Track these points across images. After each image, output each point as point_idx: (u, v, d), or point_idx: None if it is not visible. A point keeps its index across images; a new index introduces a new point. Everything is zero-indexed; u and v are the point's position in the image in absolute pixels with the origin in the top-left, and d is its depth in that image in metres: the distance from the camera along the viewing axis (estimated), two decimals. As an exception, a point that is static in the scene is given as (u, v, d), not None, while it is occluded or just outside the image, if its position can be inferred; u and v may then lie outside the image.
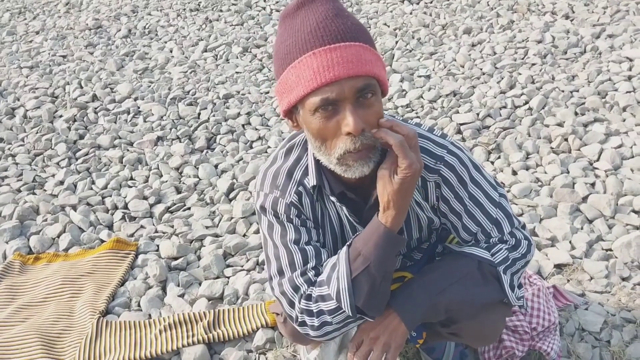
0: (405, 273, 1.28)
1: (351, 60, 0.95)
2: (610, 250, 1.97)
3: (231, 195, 2.46)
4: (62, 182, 2.64)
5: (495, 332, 1.28)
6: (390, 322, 1.15)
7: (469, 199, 1.18)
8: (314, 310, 1.12)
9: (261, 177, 1.21)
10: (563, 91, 2.92)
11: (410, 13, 4.23)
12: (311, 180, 1.14)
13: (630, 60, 3.12)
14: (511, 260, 1.18)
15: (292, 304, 1.14)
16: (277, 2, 4.79)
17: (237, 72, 3.64)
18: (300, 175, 1.16)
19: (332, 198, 1.14)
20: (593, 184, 2.28)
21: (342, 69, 0.94)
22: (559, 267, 1.92)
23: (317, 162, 1.13)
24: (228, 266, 2.07)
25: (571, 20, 3.75)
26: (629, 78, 2.96)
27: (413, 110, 2.98)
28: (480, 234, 1.20)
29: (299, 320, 1.13)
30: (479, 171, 1.20)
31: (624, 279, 1.85)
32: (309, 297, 1.12)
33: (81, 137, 3.01)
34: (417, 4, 4.40)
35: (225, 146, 2.85)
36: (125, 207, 2.45)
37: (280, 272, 1.15)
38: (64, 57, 4.11)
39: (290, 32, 0.99)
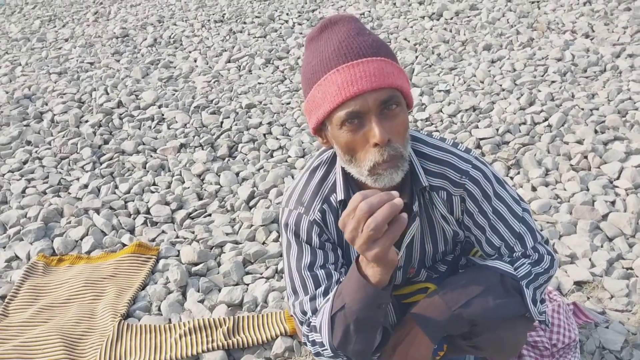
0: (429, 284, 1.30)
1: (373, 74, 0.98)
2: (631, 269, 1.96)
3: (251, 203, 2.49)
4: (86, 186, 2.70)
5: (516, 346, 1.28)
6: (414, 336, 1.17)
7: (492, 213, 1.19)
8: (311, 339, 1.16)
9: (288, 194, 1.24)
10: (583, 109, 2.92)
11: (431, 29, 4.26)
12: (339, 195, 1.16)
13: (652, 79, 3.12)
14: (534, 275, 1.20)
15: (301, 327, 1.19)
16: (299, 16, 4.87)
17: (259, 83, 3.69)
18: (327, 191, 1.19)
19: None
20: (613, 202, 2.27)
21: (365, 82, 0.97)
22: (579, 284, 1.91)
23: (346, 178, 1.15)
24: (247, 273, 2.10)
25: (591, 39, 3.75)
26: (651, 97, 2.95)
27: (433, 124, 3.00)
28: (504, 248, 1.22)
29: (306, 343, 1.18)
30: (503, 186, 1.22)
31: (644, 298, 1.84)
32: (309, 325, 1.16)
33: (106, 142, 3.07)
34: (438, 20, 4.43)
35: (246, 155, 2.89)
36: (148, 212, 2.49)
37: (295, 293, 1.19)
38: (91, 64, 4.20)
39: (315, 53, 1.03)
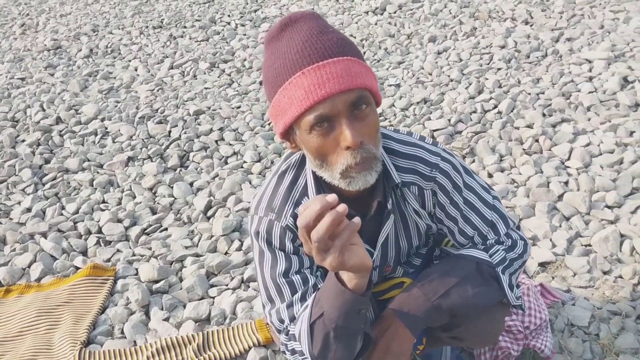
0: (405, 279, 1.28)
1: (341, 75, 0.94)
2: (590, 245, 2.02)
3: (209, 213, 2.41)
4: (29, 209, 2.54)
5: (496, 333, 1.28)
6: (395, 329, 1.15)
7: (464, 204, 1.19)
8: (290, 348, 1.13)
9: (257, 200, 1.19)
10: (530, 94, 2.99)
11: (376, 24, 4.28)
12: (311, 198, 1.12)
13: (590, 62, 3.23)
14: (509, 261, 1.20)
15: (278, 335, 1.16)
16: (241, 17, 4.78)
17: (206, 88, 3.59)
18: (298, 195, 1.15)
19: None
20: (566, 182, 2.33)
21: (333, 84, 0.93)
22: (543, 265, 1.95)
23: (317, 180, 1.11)
24: (212, 286, 2.02)
25: (531, 26, 3.86)
26: (590, 79, 3.05)
27: (386, 119, 3.00)
28: (477, 236, 1.21)
29: (285, 352, 1.15)
30: (471, 176, 1.22)
31: (605, 273, 1.89)
32: (287, 333, 1.13)
33: (47, 161, 2.91)
34: (382, 14, 4.45)
35: (199, 163, 2.80)
36: (99, 231, 2.37)
37: (271, 301, 1.16)
38: (22, 79, 3.98)
39: (277, 55, 0.98)
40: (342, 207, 0.84)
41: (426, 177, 1.15)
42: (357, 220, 0.87)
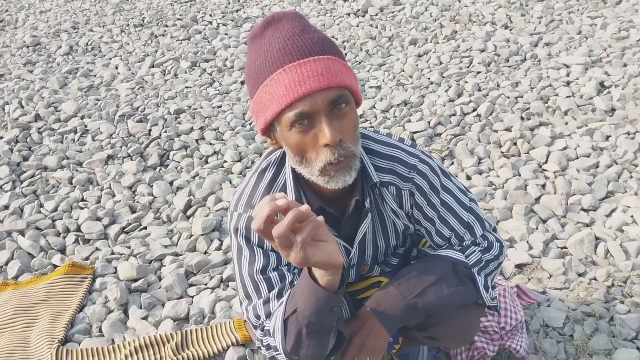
0: (382, 278, 1.29)
1: (321, 73, 0.95)
2: (565, 247, 2.06)
3: (189, 212, 2.40)
4: (6, 207, 2.51)
5: (471, 333, 1.30)
6: (371, 327, 1.17)
7: (441, 205, 1.21)
8: (265, 343, 1.14)
9: (237, 197, 1.20)
10: (508, 97, 3.04)
11: (357, 26, 4.30)
12: (290, 196, 1.13)
13: (567, 66, 3.29)
14: (484, 262, 1.22)
15: (255, 331, 1.17)
16: (223, 17, 4.77)
17: (186, 87, 3.58)
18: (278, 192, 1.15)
19: None
20: (544, 185, 2.37)
21: (313, 82, 0.94)
22: (520, 266, 1.98)
23: (296, 178, 1.13)
24: (191, 285, 2.02)
25: (510, 30, 3.92)
26: (568, 83, 3.11)
27: (367, 120, 3.02)
28: (454, 238, 1.23)
29: (261, 347, 1.16)
30: (449, 178, 1.24)
31: (580, 275, 1.93)
32: (263, 329, 1.14)
33: (25, 158, 2.87)
34: (363, 16, 4.48)
35: (179, 162, 2.79)
36: (78, 229, 2.35)
37: (248, 297, 1.17)
38: (0, 76, 3.91)
39: (260, 52, 0.99)
40: (305, 207, 0.86)
41: (404, 177, 1.17)
42: (320, 218, 0.89)
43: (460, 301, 1.19)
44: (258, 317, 1.14)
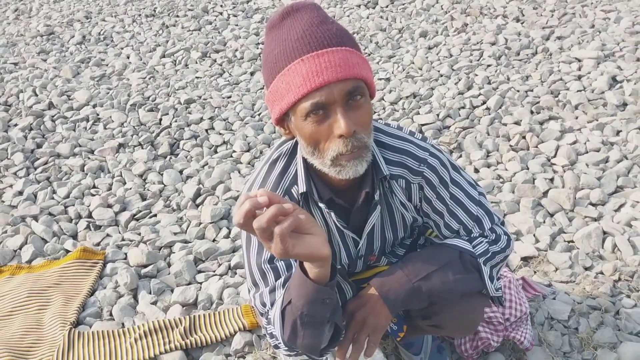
0: (387, 267, 1.30)
1: (339, 65, 0.96)
2: (572, 241, 2.06)
3: (198, 201, 2.43)
4: (21, 193, 2.55)
5: (475, 322, 1.32)
6: (374, 305, 1.18)
7: (450, 199, 1.22)
8: (269, 332, 1.15)
9: (247, 187, 1.21)
10: (518, 91, 3.03)
11: (367, 17, 4.30)
12: (300, 187, 1.14)
13: (579, 60, 3.27)
14: (491, 253, 1.23)
15: (261, 318, 1.18)
16: (234, 7, 4.78)
17: (197, 77, 3.60)
18: (289, 184, 1.16)
19: (321, 204, 1.16)
20: (552, 179, 2.37)
21: (330, 73, 0.95)
22: (526, 259, 1.99)
23: (307, 169, 1.14)
24: (200, 272, 2.05)
25: (522, 23, 3.90)
26: (579, 77, 3.10)
27: (376, 112, 3.02)
28: (462, 230, 1.25)
29: (266, 335, 1.17)
30: (458, 172, 1.24)
31: (586, 269, 1.94)
32: (267, 317, 1.15)
33: (39, 145, 2.91)
34: (374, 8, 4.47)
35: (189, 151, 2.82)
36: (90, 215, 2.38)
37: (255, 285, 1.18)
38: (15, 64, 3.96)
39: (278, 42, 1.00)
40: (288, 205, 0.86)
41: (414, 171, 1.18)
42: (303, 215, 0.89)
43: (464, 289, 1.20)
44: (264, 304, 1.16)
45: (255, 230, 0.86)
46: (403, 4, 4.45)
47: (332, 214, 1.18)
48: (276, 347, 1.17)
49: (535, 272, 1.94)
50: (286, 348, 1.13)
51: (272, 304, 1.14)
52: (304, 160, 1.13)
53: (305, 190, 1.14)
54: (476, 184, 1.28)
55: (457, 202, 1.23)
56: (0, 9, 5.18)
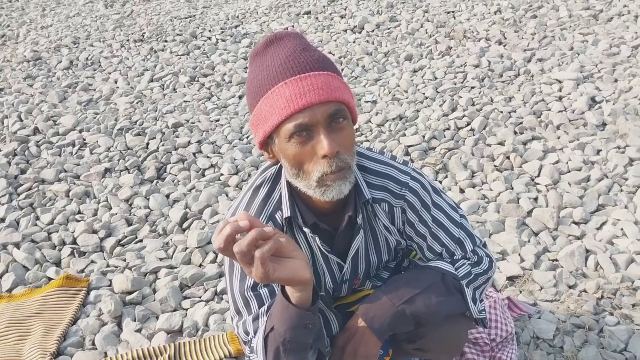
0: (373, 291, 1.30)
1: (321, 87, 0.98)
2: (556, 260, 2.07)
3: (185, 225, 2.42)
4: (3, 219, 2.52)
5: (459, 344, 1.32)
6: (362, 334, 1.18)
7: (432, 222, 1.23)
8: None
9: (230, 213, 1.22)
10: (502, 112, 3.07)
11: (354, 42, 4.36)
12: (285, 212, 1.15)
13: (560, 81, 3.33)
14: (474, 275, 1.24)
15: (244, 346, 1.18)
16: (222, 32, 4.83)
17: (185, 101, 3.62)
18: (272, 209, 1.17)
19: (305, 229, 1.16)
20: (536, 199, 2.40)
21: (313, 95, 0.97)
22: (511, 279, 2.00)
23: (291, 194, 1.14)
24: (185, 298, 2.03)
25: (504, 46, 3.97)
26: (560, 98, 3.15)
27: (362, 134, 3.05)
28: (445, 252, 1.26)
29: None
30: (440, 195, 1.26)
31: (570, 287, 1.95)
32: (250, 346, 1.15)
33: (23, 171, 2.89)
34: (360, 32, 4.54)
35: (176, 175, 2.82)
36: (74, 242, 2.36)
37: (238, 313, 1.18)
38: (0, 89, 3.96)
39: (261, 68, 1.03)
40: (268, 229, 0.87)
41: (396, 194, 1.19)
42: (283, 239, 0.90)
43: (448, 311, 1.21)
44: (247, 333, 1.15)
45: (235, 254, 0.86)
46: (388, 29, 4.52)
47: (317, 238, 1.18)
48: None
49: (520, 292, 1.95)
50: None
51: (255, 332, 1.14)
52: (288, 184, 1.13)
53: (289, 215, 1.14)
54: (457, 206, 1.30)
55: (439, 225, 1.24)
56: (-13, 36, 5.20)
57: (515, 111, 3.07)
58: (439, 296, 1.20)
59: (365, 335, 1.18)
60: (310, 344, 1.05)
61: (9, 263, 2.23)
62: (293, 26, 4.82)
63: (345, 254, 1.23)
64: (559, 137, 2.82)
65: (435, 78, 3.59)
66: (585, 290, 1.93)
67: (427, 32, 4.37)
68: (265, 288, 1.15)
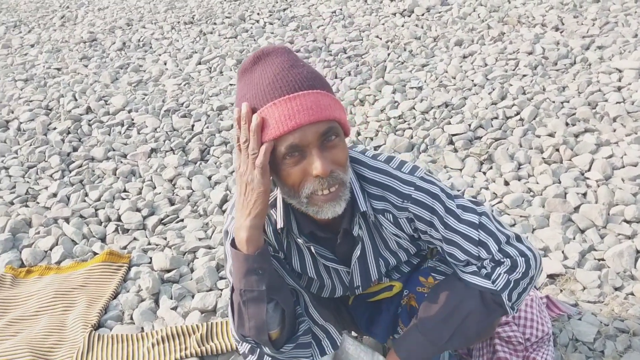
0: (394, 282, 1.29)
1: (311, 107, 0.97)
2: (603, 260, 1.98)
3: (225, 207, 2.46)
4: (55, 195, 2.64)
5: (491, 330, 1.32)
6: None
7: (445, 229, 1.17)
8: (241, 351, 1.23)
9: (233, 202, 1.22)
10: (554, 102, 2.94)
11: (402, 25, 4.27)
12: (279, 223, 1.14)
13: (620, 71, 3.16)
14: (513, 282, 1.18)
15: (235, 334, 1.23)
16: (270, 15, 4.83)
17: (230, 85, 3.65)
18: (271, 201, 1.16)
19: (299, 240, 1.17)
20: (585, 194, 2.29)
21: (303, 116, 0.96)
22: (552, 277, 1.93)
23: (286, 204, 1.14)
24: (221, 278, 2.07)
25: (561, 32, 3.79)
26: (619, 89, 2.99)
27: (406, 121, 2.99)
28: (470, 258, 1.20)
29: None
30: (452, 199, 1.18)
31: (616, 289, 1.86)
32: (243, 345, 1.21)
33: (75, 149, 3.01)
34: (409, 16, 4.44)
35: (218, 157, 2.86)
36: (119, 219, 2.44)
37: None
38: (58, 69, 4.12)
39: (250, 86, 1.02)
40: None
41: (398, 207, 1.15)
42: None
43: (486, 327, 1.24)
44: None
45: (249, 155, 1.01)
46: (439, 13, 4.40)
47: (312, 247, 1.18)
48: None
49: (561, 291, 1.88)
50: (244, 346, 1.19)
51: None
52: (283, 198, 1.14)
53: (283, 226, 1.14)
54: (475, 205, 1.20)
55: (455, 231, 1.16)
56: (48, 16, 5.40)
57: (568, 101, 2.94)
58: (479, 323, 1.21)
59: None
60: (266, 293, 1.07)
61: (59, 237, 2.33)
62: (341, 9, 4.77)
63: (348, 261, 1.23)
64: (614, 130, 2.68)
65: (486, 65, 3.47)
66: (632, 294, 1.83)
67: (479, 17, 4.22)
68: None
